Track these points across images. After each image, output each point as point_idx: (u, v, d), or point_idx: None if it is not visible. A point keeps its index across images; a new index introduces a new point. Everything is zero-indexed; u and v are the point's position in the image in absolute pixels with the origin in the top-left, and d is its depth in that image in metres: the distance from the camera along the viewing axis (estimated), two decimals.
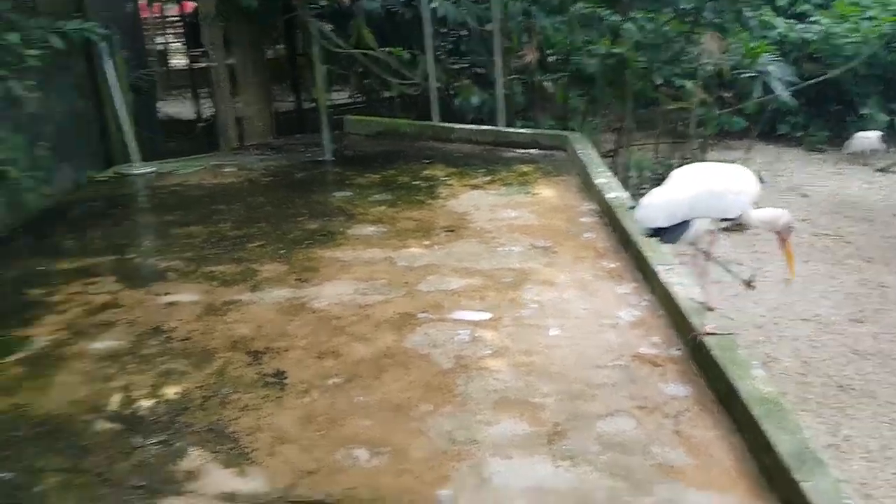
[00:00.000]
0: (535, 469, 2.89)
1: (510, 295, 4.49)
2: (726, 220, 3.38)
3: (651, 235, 3.36)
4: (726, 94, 9.72)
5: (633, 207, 3.74)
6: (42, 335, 4.19)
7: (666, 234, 3.29)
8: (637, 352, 3.73)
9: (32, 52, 5.75)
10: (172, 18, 14.99)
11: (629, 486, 2.75)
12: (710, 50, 7.47)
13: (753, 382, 3.00)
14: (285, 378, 3.65)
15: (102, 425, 3.33)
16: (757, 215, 3.34)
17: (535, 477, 2.85)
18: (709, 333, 3.47)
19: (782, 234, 3.32)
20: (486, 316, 4.23)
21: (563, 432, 3.11)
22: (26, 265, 5.28)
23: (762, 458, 2.75)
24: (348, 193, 6.73)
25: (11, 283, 4.99)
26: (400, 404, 3.39)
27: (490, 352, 3.82)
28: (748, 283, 6.02)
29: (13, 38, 5.64)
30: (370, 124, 9.24)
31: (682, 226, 3.27)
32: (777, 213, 3.35)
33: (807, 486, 2.45)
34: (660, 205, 3.27)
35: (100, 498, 2.87)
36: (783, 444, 2.65)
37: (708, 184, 3.29)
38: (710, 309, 3.71)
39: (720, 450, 2.90)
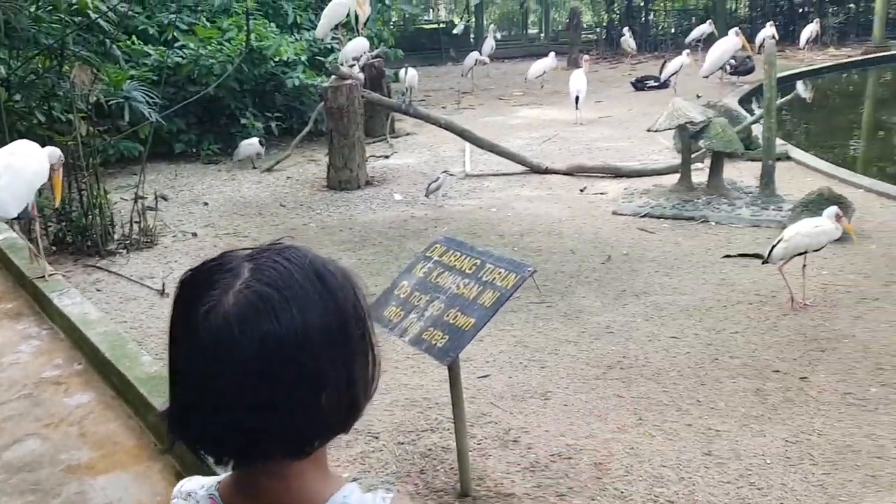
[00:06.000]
0: None
1: None
2: None
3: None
4: (121, 122, 9.97)
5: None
6: None
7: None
8: (41, 377, 3.80)
9: None
10: None
11: (39, 497, 2.87)
12: (81, 82, 7.60)
13: (142, 367, 3.37)
14: None
15: None
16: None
17: None
18: None
19: (55, 167, 4.96)
20: None
21: None
22: None
23: (154, 425, 3.14)
24: None
25: None
26: None
27: None
28: (162, 292, 6.48)
29: None
30: None
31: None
32: (51, 152, 4.89)
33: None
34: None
35: None
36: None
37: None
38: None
39: (122, 435, 3.21)
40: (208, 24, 11.02)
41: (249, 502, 0.97)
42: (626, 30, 18.16)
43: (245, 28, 10.48)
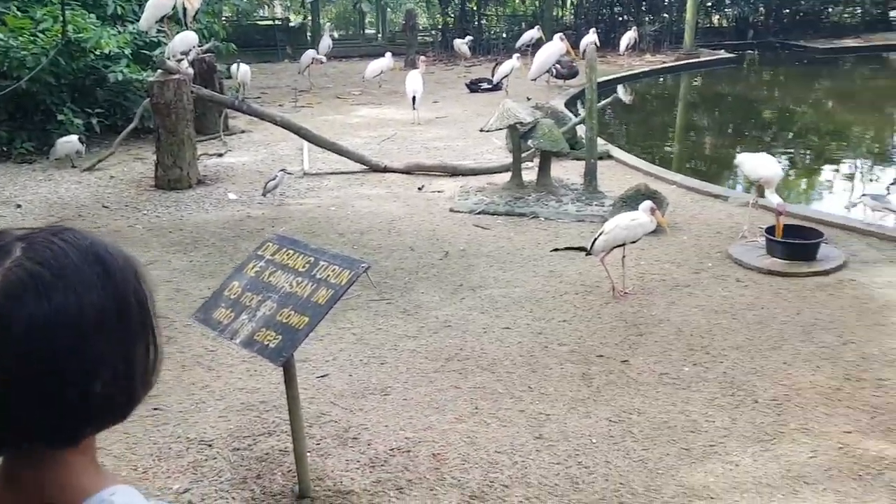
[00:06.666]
0: None
1: None
2: None
3: None
4: None
5: None
6: None
7: None
8: None
9: None
10: None
11: None
12: None
13: None
14: None
15: None
16: None
17: None
18: None
19: None
20: None
21: None
22: None
23: None
24: None
25: None
26: None
27: None
28: None
29: None
30: None
31: None
32: None
33: None
34: None
35: None
36: None
37: None
38: None
39: None
40: (20, 14, 10.18)
41: (10, 497, 0.91)
42: (468, 38, 18.71)
43: (61, 18, 9.77)
